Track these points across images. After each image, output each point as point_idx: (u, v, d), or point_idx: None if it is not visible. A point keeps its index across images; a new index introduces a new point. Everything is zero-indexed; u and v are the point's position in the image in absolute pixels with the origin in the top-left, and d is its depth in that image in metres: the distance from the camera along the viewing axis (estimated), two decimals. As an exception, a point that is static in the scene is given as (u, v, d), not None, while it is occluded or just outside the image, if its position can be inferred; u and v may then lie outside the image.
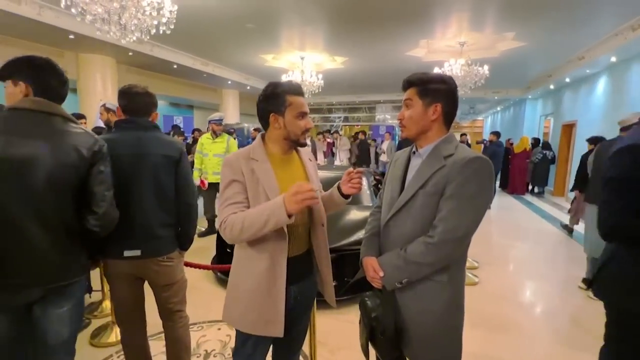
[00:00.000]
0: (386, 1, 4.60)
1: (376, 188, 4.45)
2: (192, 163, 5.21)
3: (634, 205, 1.12)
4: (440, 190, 1.09)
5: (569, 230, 5.21)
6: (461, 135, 9.12)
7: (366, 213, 3.37)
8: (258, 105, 1.24)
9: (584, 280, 3.27)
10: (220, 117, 4.32)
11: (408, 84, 1.19)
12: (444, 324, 1.15)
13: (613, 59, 6.27)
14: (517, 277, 3.65)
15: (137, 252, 1.54)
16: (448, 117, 1.17)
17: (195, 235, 4.87)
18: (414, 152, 1.24)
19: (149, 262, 1.58)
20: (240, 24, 5.55)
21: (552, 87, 9.33)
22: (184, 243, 1.71)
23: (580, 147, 7.85)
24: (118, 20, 3.14)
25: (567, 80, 8.33)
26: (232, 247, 1.62)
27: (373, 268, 1.20)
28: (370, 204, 3.69)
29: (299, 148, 1.34)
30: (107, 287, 2.63)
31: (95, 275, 2.71)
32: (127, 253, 1.52)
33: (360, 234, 2.99)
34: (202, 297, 2.90)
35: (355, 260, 2.82)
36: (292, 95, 1.20)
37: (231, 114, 11.32)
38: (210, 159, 4.33)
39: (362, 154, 9.24)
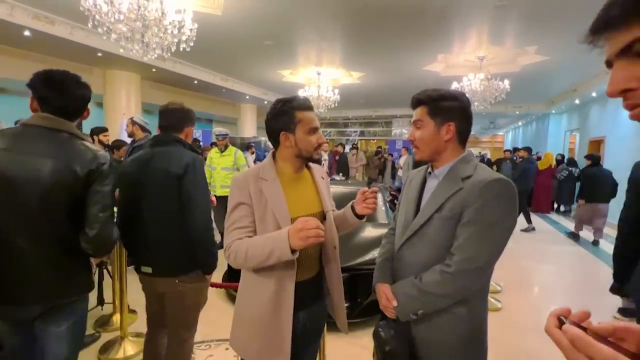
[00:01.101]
0: (403, 16, 4.60)
1: (392, 204, 4.33)
2: None
3: None
4: (457, 215, 1.00)
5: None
6: (505, 151, 8.75)
7: (381, 230, 3.25)
8: (267, 123, 1.19)
9: (620, 310, 3.00)
10: (220, 133, 4.37)
11: (417, 102, 1.12)
12: (462, 358, 1.03)
13: (644, 72, 5.97)
14: (544, 303, 3.40)
15: (149, 270, 1.59)
16: (463, 136, 1.09)
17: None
18: (430, 173, 1.16)
19: (162, 281, 1.59)
20: (259, 41, 5.68)
21: (577, 101, 8.99)
22: (202, 266, 1.60)
23: (610, 163, 7.46)
24: (141, 38, 3.26)
25: (594, 94, 8.00)
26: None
27: (386, 296, 1.11)
28: (386, 221, 3.58)
29: (311, 166, 1.29)
30: (118, 300, 2.62)
31: (107, 286, 2.71)
32: (143, 268, 1.61)
33: (374, 253, 2.88)
34: (211, 314, 2.84)
35: (369, 280, 2.72)
36: (301, 111, 1.15)
37: (249, 128, 11.54)
38: (218, 172, 4.36)
39: (381, 170, 9.23)
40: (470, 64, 6.51)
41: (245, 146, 8.11)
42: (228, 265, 3.38)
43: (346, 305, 2.64)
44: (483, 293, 1.08)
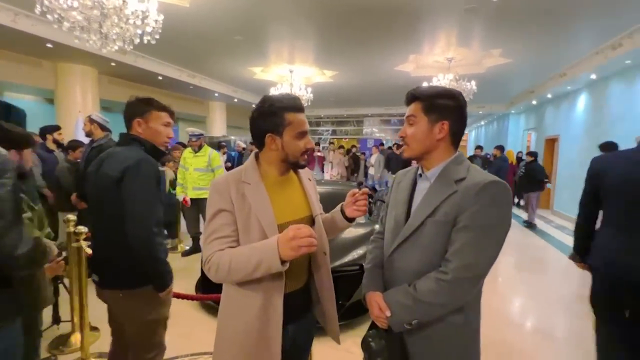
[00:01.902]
0: (376, 15, 4.61)
1: (367, 203, 4.33)
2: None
3: None
4: (452, 220, 0.97)
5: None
6: (476, 148, 8.99)
7: (360, 231, 3.23)
8: (252, 122, 1.09)
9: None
10: (194, 133, 4.15)
11: (412, 97, 1.07)
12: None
13: (593, 76, 6.48)
14: (511, 294, 3.56)
15: (96, 278, 1.48)
16: (456, 137, 1.06)
17: (179, 254, 4.61)
18: (420, 175, 1.12)
19: (109, 292, 1.46)
20: (229, 36, 5.46)
21: (534, 102, 9.60)
22: (152, 282, 1.42)
23: (564, 160, 8.03)
24: (98, 28, 2.97)
25: (549, 96, 8.58)
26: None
27: (378, 306, 1.06)
28: (363, 221, 3.56)
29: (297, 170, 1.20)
30: (77, 317, 2.37)
31: (64, 303, 2.45)
32: (92, 276, 1.51)
33: (355, 254, 2.84)
34: (184, 327, 2.66)
35: (351, 282, 2.70)
36: (291, 112, 1.06)
37: (218, 126, 11.13)
38: (191, 173, 4.13)
39: (355, 168, 9.23)
40: (439, 65, 6.70)
41: (215, 145, 7.79)
42: (202, 272, 3.20)
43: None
44: (478, 300, 1.05)
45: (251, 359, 1.03)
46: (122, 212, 1.35)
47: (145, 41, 3.26)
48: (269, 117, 1.05)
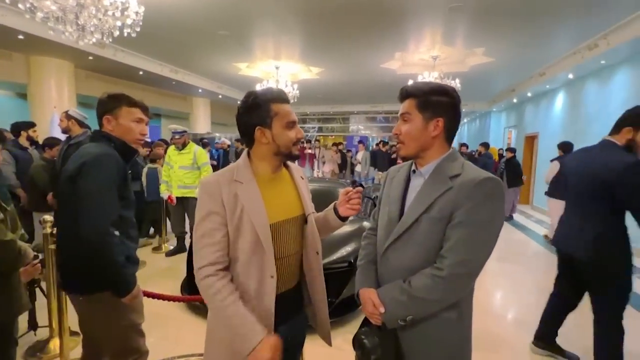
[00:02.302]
0: (363, 13, 4.60)
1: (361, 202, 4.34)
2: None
3: None
4: (447, 216, 0.97)
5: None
6: (461, 145, 9.15)
7: (347, 228, 3.22)
8: (239, 119, 1.06)
9: None
10: (176, 130, 4.03)
11: (406, 94, 1.06)
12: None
13: (570, 76, 6.71)
14: (494, 286, 3.65)
15: (60, 281, 1.43)
16: (450, 133, 1.06)
17: (163, 254, 4.50)
18: (414, 171, 1.11)
19: (71, 296, 1.40)
20: (213, 30, 5.33)
21: (515, 100, 9.87)
22: (111, 287, 1.32)
23: (543, 156, 8.30)
24: (75, 19, 2.83)
25: (529, 94, 8.84)
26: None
27: (372, 302, 1.05)
28: (351, 218, 3.55)
29: (289, 165, 1.18)
30: (56, 322, 2.27)
31: (42, 308, 2.34)
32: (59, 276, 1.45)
33: (343, 251, 2.84)
34: (171, 329, 2.59)
35: (340, 279, 2.69)
36: (277, 103, 1.04)
37: (202, 123, 10.91)
38: (176, 171, 4.01)
39: (343, 165, 9.25)
40: (424, 63, 6.77)
41: (197, 143, 7.61)
42: (187, 272, 3.12)
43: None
44: (471, 296, 1.06)
45: None
46: (77, 211, 1.27)
47: (125, 34, 3.13)
48: (255, 110, 1.03)
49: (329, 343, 1.23)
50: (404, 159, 1.12)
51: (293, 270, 1.12)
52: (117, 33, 3.12)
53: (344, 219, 1.19)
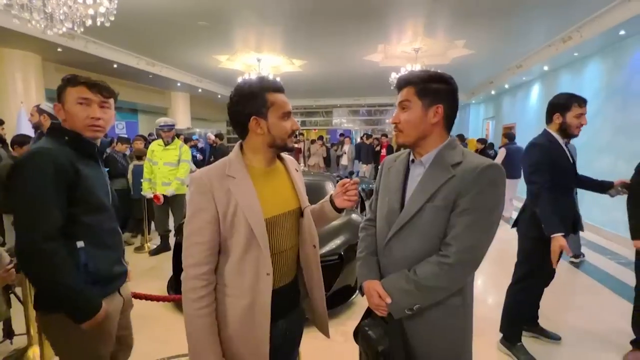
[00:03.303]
0: (345, 3, 4.56)
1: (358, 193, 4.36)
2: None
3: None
4: (451, 204, 0.97)
5: None
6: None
7: (337, 221, 3.22)
8: (231, 109, 1.02)
9: None
10: (166, 123, 3.86)
11: (405, 82, 1.05)
12: (458, 351, 1.03)
13: (545, 67, 6.94)
14: (483, 273, 3.77)
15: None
16: (449, 121, 1.06)
17: (147, 253, 4.36)
18: (413, 160, 1.11)
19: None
20: (192, 20, 5.13)
21: (493, 92, 10.13)
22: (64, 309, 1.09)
23: (521, 146, 8.60)
24: (42, 7, 2.64)
25: (506, 86, 9.09)
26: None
27: (378, 294, 1.04)
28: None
29: (284, 158, 1.15)
30: (34, 330, 2.15)
31: (18, 314, 2.21)
32: None
33: (332, 244, 2.83)
34: (158, 330, 2.51)
35: (330, 273, 2.69)
36: (272, 92, 1.01)
37: (181, 118, 10.57)
38: (160, 167, 3.86)
39: (328, 158, 9.27)
40: (406, 55, 6.81)
41: (185, 141, 7.37)
42: (173, 270, 3.04)
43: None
44: (472, 282, 1.08)
45: None
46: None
47: (99, 23, 2.96)
48: (250, 99, 0.99)
49: (327, 335, 1.22)
50: (403, 147, 1.11)
51: (290, 264, 1.09)
52: (89, 22, 2.94)
53: (340, 211, 1.17)
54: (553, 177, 1.94)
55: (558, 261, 1.87)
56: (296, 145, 9.63)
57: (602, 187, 2.15)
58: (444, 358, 1.02)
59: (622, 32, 4.70)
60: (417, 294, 0.98)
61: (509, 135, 6.14)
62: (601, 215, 5.07)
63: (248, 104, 0.99)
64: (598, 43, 5.26)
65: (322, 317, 1.19)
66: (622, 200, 2.15)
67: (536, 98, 7.90)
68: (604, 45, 5.32)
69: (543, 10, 4.72)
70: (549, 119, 2.04)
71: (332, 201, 1.17)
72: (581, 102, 1.95)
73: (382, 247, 1.11)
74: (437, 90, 1.01)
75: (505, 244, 4.86)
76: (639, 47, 4.75)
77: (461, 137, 7.73)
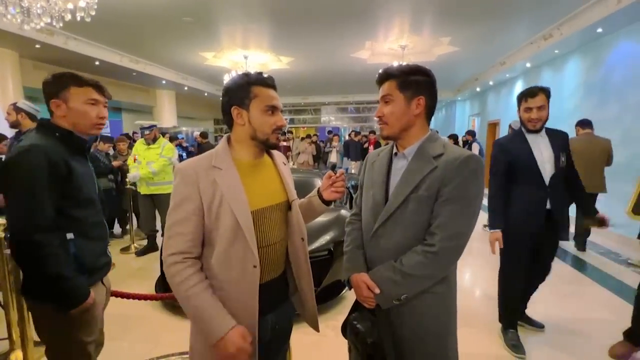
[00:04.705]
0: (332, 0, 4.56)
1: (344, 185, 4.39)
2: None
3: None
4: (435, 194, 0.99)
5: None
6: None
7: (325, 217, 3.22)
8: (221, 100, 1.05)
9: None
10: (143, 126, 3.82)
11: (385, 76, 1.08)
12: (444, 336, 1.06)
13: (528, 64, 7.10)
14: (463, 264, 3.85)
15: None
16: (430, 112, 1.09)
17: (133, 254, 4.29)
18: (396, 153, 1.13)
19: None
20: (176, 16, 5.04)
21: (478, 89, 10.31)
22: (54, 298, 1.15)
23: (504, 143, 8.78)
24: (18, 1, 2.55)
25: (491, 83, 9.27)
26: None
27: (366, 285, 1.06)
28: (330, 206, 3.57)
29: (272, 152, 1.15)
30: (16, 334, 2.09)
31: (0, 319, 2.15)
32: None
33: (322, 240, 2.84)
34: (147, 329, 2.48)
35: (320, 268, 2.70)
36: (259, 86, 1.02)
37: (167, 117, 10.39)
38: (144, 167, 3.80)
39: (317, 156, 9.27)
40: (393, 53, 6.87)
41: (170, 140, 7.24)
42: (161, 271, 2.99)
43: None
44: (455, 270, 1.10)
45: None
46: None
47: (79, 18, 2.87)
48: (236, 90, 1.02)
49: (317, 329, 1.23)
50: (387, 139, 1.13)
51: (278, 258, 1.09)
52: (68, 17, 2.85)
53: (328, 203, 1.18)
54: (511, 172, 1.98)
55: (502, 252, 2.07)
56: (284, 144, 9.59)
57: (582, 208, 2.21)
58: (431, 344, 1.05)
59: (599, 30, 4.86)
60: (404, 283, 1.00)
61: (470, 132, 7.41)
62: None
63: (233, 94, 1.02)
64: (577, 41, 5.42)
65: (311, 311, 1.20)
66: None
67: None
68: (583, 42, 5.49)
69: (525, 8, 4.82)
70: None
71: (320, 194, 1.18)
72: (527, 95, 1.97)
73: (368, 240, 1.13)
74: (417, 82, 1.04)
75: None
76: (615, 44, 4.92)
77: (454, 138, 7.94)
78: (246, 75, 1.03)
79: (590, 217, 2.10)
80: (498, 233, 1.99)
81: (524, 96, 2.00)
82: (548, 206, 1.97)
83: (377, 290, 1.03)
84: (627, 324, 2.05)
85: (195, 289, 0.93)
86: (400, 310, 1.05)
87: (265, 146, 1.07)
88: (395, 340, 1.05)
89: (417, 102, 1.04)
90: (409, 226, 1.03)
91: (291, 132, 9.86)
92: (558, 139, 2.03)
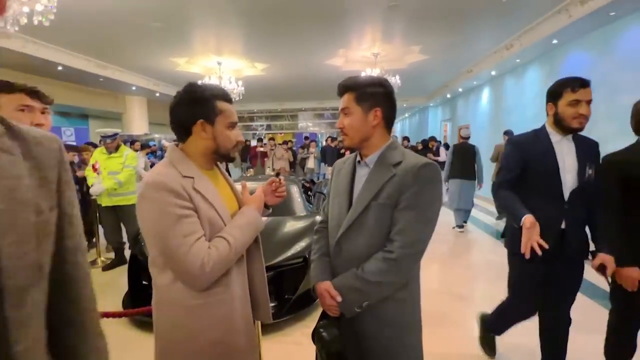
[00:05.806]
0: (304, 8, 4.61)
1: (306, 195, 4.37)
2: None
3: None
4: (394, 202, 1.02)
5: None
6: (403, 139, 9.80)
7: (301, 224, 3.23)
8: (176, 109, 1.01)
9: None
10: (106, 134, 3.63)
11: (344, 89, 1.11)
12: (408, 342, 1.07)
13: (493, 72, 7.49)
14: (436, 268, 3.96)
15: None
16: (389, 122, 1.12)
17: (99, 269, 4.05)
18: (359, 162, 1.16)
19: None
20: (145, 21, 4.91)
21: (448, 95, 10.73)
22: None
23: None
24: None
25: (460, 90, 9.68)
26: (148, 278, 1.26)
27: (329, 294, 1.06)
28: (304, 213, 3.58)
29: (217, 163, 1.15)
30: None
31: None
32: None
33: (297, 247, 2.83)
34: (113, 347, 2.35)
35: (295, 276, 2.69)
36: (222, 101, 1.03)
37: (138, 124, 10.04)
38: (105, 177, 3.62)
39: (293, 162, 9.21)
40: (366, 60, 7.02)
41: (144, 148, 6.96)
42: (129, 284, 2.86)
43: (274, 304, 2.56)
44: (418, 275, 1.13)
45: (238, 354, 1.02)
46: None
47: (36, 22, 2.74)
48: (200, 103, 1.00)
49: (269, 320, 1.19)
50: (350, 150, 1.16)
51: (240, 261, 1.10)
52: (24, 20, 2.71)
53: (269, 207, 1.22)
54: (525, 177, 1.57)
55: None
56: (261, 149, 9.43)
57: (595, 240, 1.57)
58: (396, 351, 1.06)
59: (555, 41, 5.21)
60: (365, 290, 1.01)
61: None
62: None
63: (197, 107, 1.00)
64: (535, 51, 5.78)
65: (263, 305, 1.16)
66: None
67: (487, 100, 8.49)
68: (541, 52, 5.86)
69: (489, 19, 5.10)
70: (546, 111, 1.64)
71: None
72: (575, 85, 1.47)
73: (332, 247, 1.14)
74: (373, 94, 1.07)
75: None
76: (570, 54, 5.29)
77: (407, 139, 8.39)
78: (208, 89, 1.02)
79: (597, 259, 1.50)
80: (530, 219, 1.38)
81: (569, 86, 1.49)
82: (563, 225, 1.53)
83: (339, 299, 1.04)
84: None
85: (222, 245, 0.96)
86: (364, 318, 1.06)
87: (224, 159, 1.09)
88: (361, 348, 1.05)
89: (374, 114, 1.07)
90: (371, 233, 1.05)
91: (273, 139, 9.69)
92: (586, 147, 1.56)
